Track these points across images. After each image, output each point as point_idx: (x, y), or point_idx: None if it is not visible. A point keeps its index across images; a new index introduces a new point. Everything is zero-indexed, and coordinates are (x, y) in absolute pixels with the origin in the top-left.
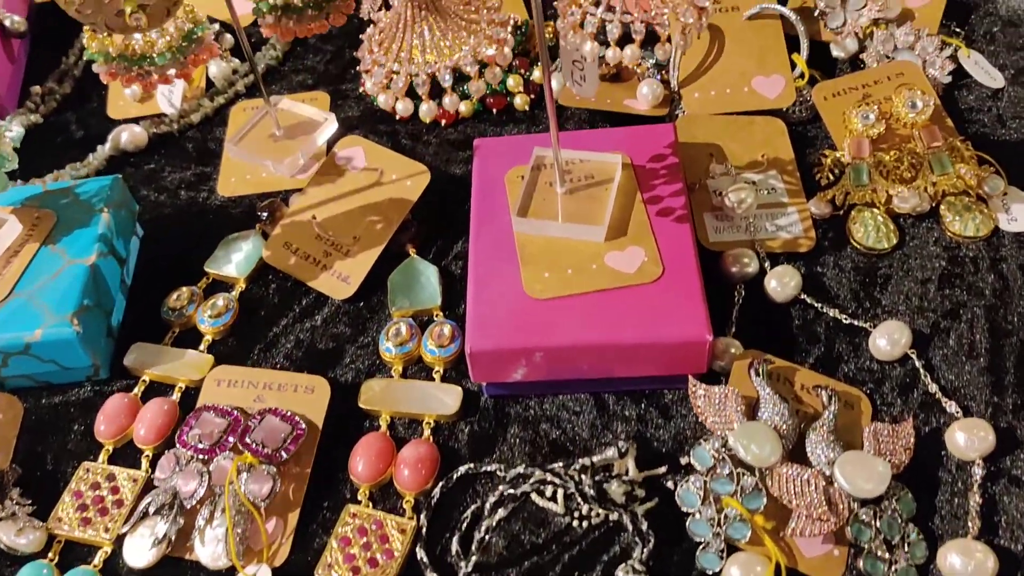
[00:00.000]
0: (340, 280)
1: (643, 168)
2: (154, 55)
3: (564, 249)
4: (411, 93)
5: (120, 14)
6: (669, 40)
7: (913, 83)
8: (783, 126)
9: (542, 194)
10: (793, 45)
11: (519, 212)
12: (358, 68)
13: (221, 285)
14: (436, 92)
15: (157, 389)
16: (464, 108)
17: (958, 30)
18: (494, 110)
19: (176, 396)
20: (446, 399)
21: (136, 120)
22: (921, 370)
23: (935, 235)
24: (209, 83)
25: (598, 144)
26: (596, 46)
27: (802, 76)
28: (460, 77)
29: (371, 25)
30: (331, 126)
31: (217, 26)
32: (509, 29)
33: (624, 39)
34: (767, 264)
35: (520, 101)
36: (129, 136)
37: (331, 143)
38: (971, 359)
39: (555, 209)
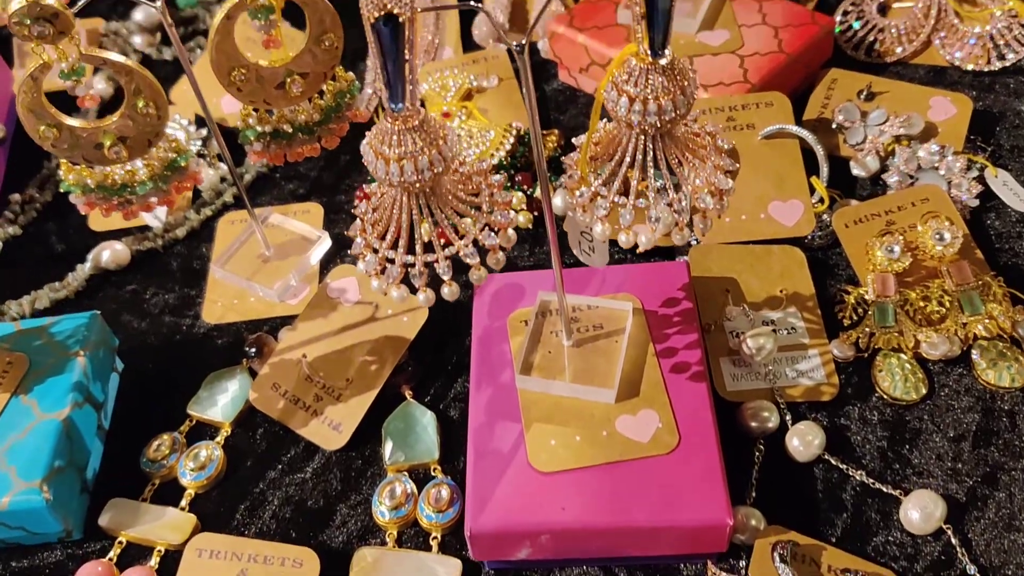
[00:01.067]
0: (331, 428)
1: (655, 313)
2: (135, 184)
3: (572, 410)
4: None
5: (99, 148)
6: (690, 225)
7: (939, 210)
8: (802, 256)
9: (547, 346)
10: (811, 164)
11: (522, 370)
12: (354, 196)
13: (206, 428)
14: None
15: (135, 552)
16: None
17: (984, 146)
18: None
19: (155, 562)
20: (445, 574)
21: (119, 234)
22: (958, 547)
23: (967, 383)
24: (196, 192)
25: (607, 283)
26: (608, 228)
27: (821, 201)
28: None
29: (364, 200)
30: (324, 244)
31: (199, 157)
32: (514, 201)
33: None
34: (788, 417)
35: (523, 219)
36: (111, 254)
37: (324, 264)
38: (1011, 532)
39: (562, 365)
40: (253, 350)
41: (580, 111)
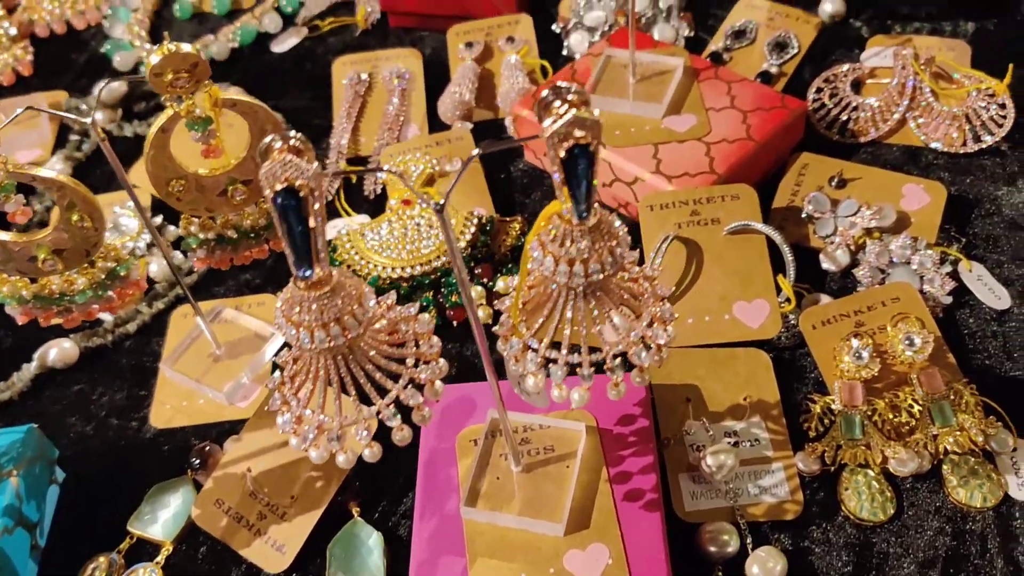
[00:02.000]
0: (275, 549)
1: (610, 432)
2: (74, 294)
3: (520, 544)
4: None
5: (33, 260)
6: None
7: (910, 311)
8: (768, 360)
9: (496, 471)
10: (779, 260)
11: (468, 500)
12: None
13: (146, 546)
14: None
15: None
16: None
17: (958, 236)
18: (455, 323)
19: None
20: None
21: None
22: None
23: (937, 502)
24: (149, 282)
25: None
26: (541, 379)
27: (788, 301)
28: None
29: (285, 349)
30: (278, 341)
31: (143, 260)
32: (434, 346)
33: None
34: (749, 541)
35: (483, 314)
36: (58, 353)
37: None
38: None
39: (511, 492)
40: (197, 461)
41: (545, 195)
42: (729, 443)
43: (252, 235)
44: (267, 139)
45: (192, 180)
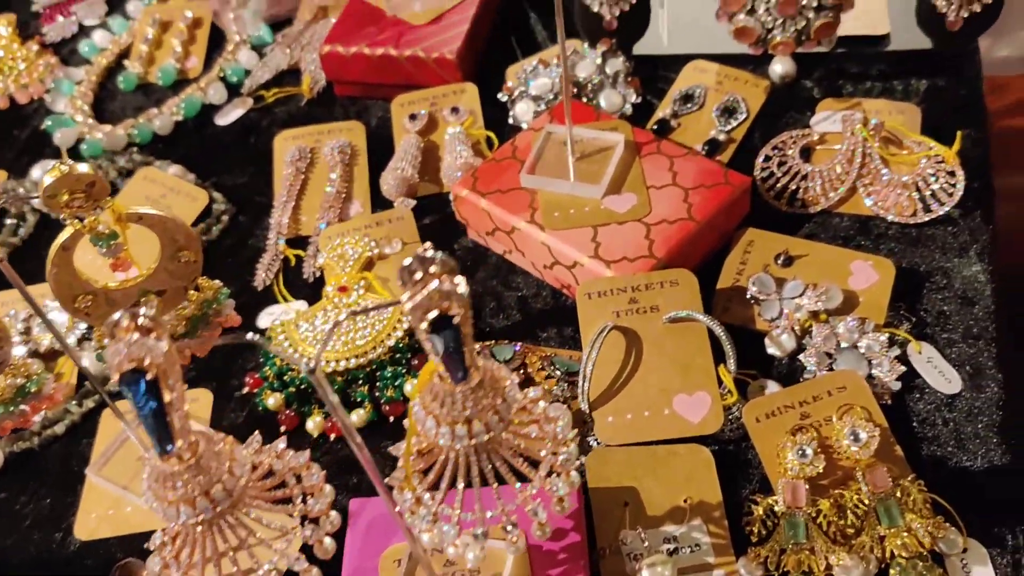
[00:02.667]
0: None
1: (540, 549)
2: None
3: None
4: None
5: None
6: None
7: (856, 401)
8: (709, 457)
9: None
10: (721, 348)
11: None
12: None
13: None
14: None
15: None
16: (357, 417)
17: (908, 316)
18: (391, 418)
19: None
20: None
21: None
22: None
23: None
24: (80, 377)
25: (484, 509)
26: (437, 535)
27: (730, 393)
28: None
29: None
30: None
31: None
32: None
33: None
34: None
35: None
36: None
37: None
38: None
39: None
40: None
41: (490, 274)
42: (668, 550)
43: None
44: (114, 316)
45: (101, 294)
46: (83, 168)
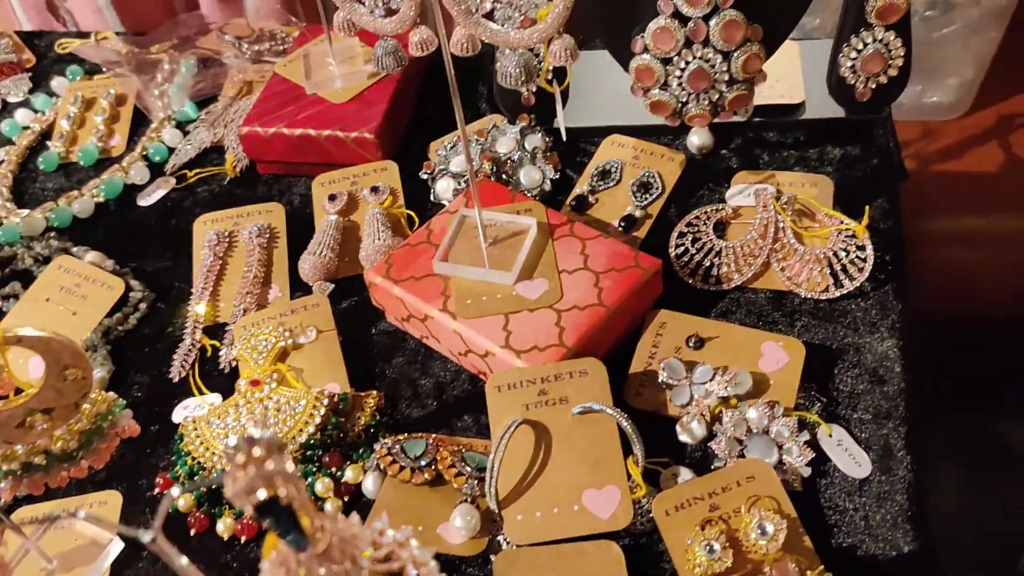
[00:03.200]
0: None
1: None
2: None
3: None
4: None
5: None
6: None
7: (765, 491)
8: (619, 554)
9: None
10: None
11: None
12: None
13: None
14: None
15: None
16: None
17: (819, 397)
18: None
19: None
20: None
21: None
22: None
23: None
24: None
25: None
26: None
27: (638, 487)
28: None
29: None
30: (116, 548)
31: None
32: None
33: None
34: None
35: (332, 508)
36: None
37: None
38: None
39: None
40: None
41: (408, 359)
42: None
43: (64, 459)
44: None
45: None
46: None
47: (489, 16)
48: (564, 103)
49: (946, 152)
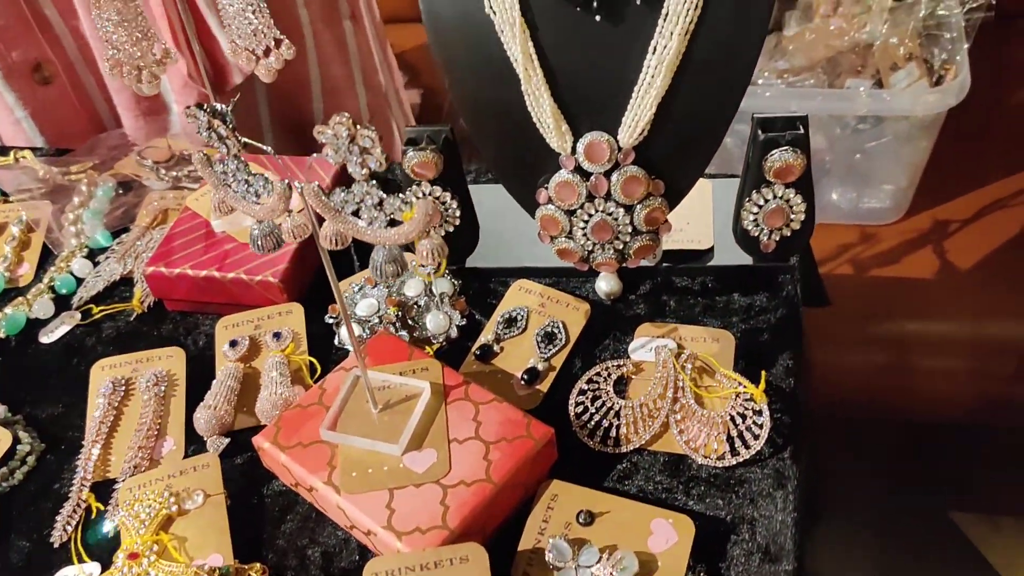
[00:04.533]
0: None
1: None
2: None
3: None
4: None
5: None
6: None
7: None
8: None
9: None
10: None
11: None
12: None
13: None
14: None
15: None
16: None
17: None
18: None
19: None
20: None
21: None
22: None
23: None
24: None
25: None
26: None
27: None
28: None
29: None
30: None
31: None
32: None
33: None
34: None
35: None
36: None
37: None
38: None
39: None
40: None
41: (297, 525)
42: None
43: None
44: None
45: None
46: None
47: (355, 214)
48: (472, 248)
49: (883, 256)
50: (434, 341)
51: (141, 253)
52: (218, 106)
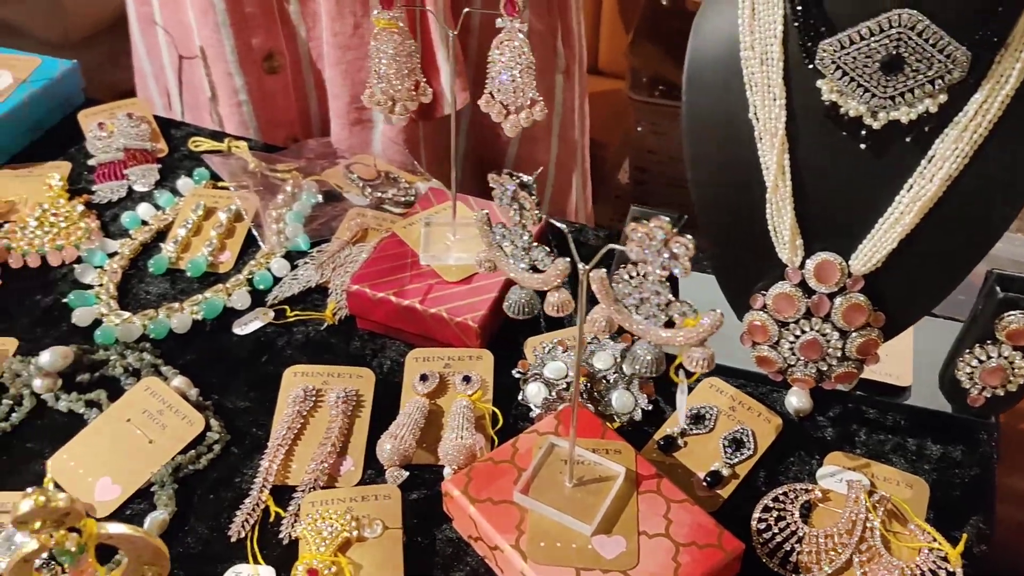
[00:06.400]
0: None
1: None
2: None
3: None
4: None
5: None
6: None
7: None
8: None
9: None
10: None
11: None
12: None
13: None
14: None
15: None
16: None
17: None
18: None
19: None
20: None
21: None
22: None
23: None
24: None
25: None
26: None
27: None
28: None
29: None
30: None
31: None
32: None
33: None
34: None
35: None
36: None
37: None
38: None
39: None
40: None
41: (470, 575)
42: None
43: None
44: None
45: None
46: (61, 500)
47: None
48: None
49: None
50: (616, 419)
51: (339, 266)
52: (524, 178)
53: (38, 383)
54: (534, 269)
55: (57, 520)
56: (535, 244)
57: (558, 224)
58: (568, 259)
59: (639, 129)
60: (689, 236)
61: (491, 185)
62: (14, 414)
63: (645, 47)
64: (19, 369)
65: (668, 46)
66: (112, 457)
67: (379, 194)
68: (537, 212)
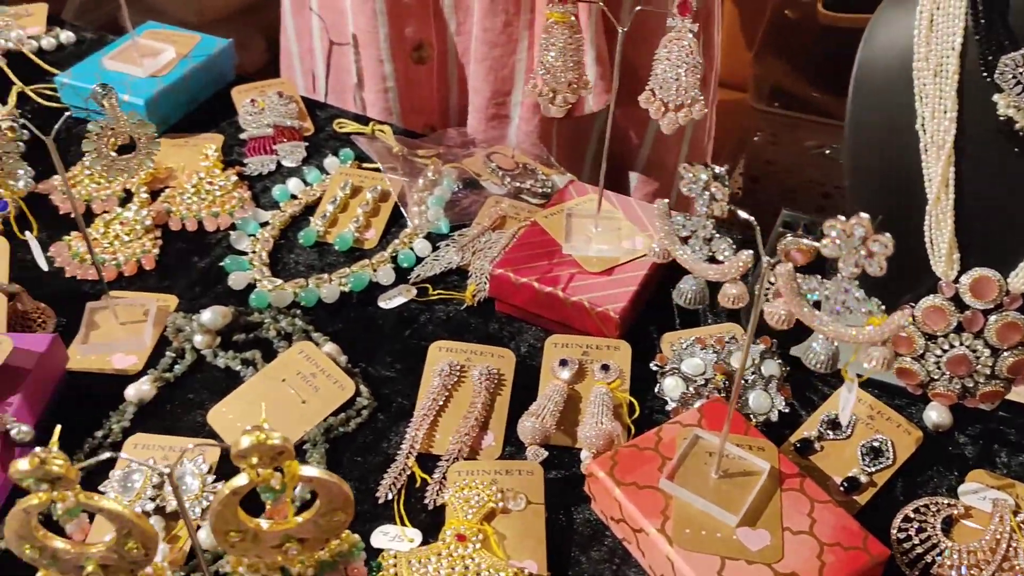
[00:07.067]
0: None
1: None
2: None
3: None
4: None
5: (81, 569)
6: None
7: None
8: None
9: None
10: None
11: None
12: None
13: None
14: None
15: None
16: None
17: None
18: None
19: None
20: None
21: None
22: None
23: None
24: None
25: None
26: None
27: None
28: None
29: None
30: None
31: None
32: None
33: None
34: None
35: None
36: None
37: None
38: None
39: None
40: None
41: (604, 556)
42: None
43: None
44: None
45: (251, 532)
46: (276, 439)
47: (817, 305)
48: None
49: None
50: (752, 419)
51: (479, 250)
52: (717, 169)
53: (199, 339)
54: (711, 260)
55: (272, 457)
56: (717, 235)
57: (745, 216)
58: (751, 252)
59: (756, 138)
60: (888, 235)
61: (682, 175)
62: (176, 366)
63: (768, 59)
64: (182, 324)
65: (791, 58)
66: (267, 413)
67: (517, 184)
68: (727, 204)
